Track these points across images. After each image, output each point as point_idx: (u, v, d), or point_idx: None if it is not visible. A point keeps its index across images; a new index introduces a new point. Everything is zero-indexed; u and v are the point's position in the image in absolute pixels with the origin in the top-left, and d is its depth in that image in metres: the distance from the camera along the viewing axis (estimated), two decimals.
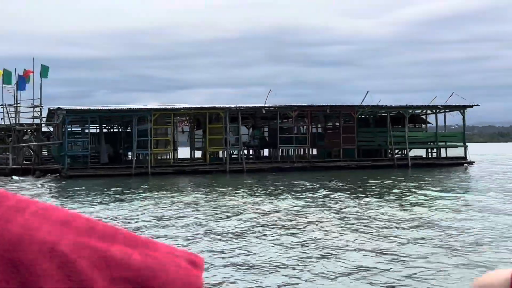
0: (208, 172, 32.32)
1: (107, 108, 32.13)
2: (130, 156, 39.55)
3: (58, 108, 34.00)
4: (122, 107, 32.85)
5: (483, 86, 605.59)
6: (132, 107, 31.88)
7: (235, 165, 33.22)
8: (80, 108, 32.17)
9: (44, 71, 38.70)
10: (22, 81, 37.93)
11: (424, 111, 38.41)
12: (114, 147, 36.37)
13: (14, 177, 31.81)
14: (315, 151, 37.89)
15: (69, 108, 30.79)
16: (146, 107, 32.36)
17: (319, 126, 41.08)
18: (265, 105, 34.40)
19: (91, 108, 32.49)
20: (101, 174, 30.37)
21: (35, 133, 40.69)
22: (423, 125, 39.92)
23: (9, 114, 37.75)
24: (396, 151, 36.95)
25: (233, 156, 35.72)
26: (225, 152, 33.67)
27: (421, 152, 38.12)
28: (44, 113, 39.33)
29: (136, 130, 31.82)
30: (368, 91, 35.76)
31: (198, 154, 40.30)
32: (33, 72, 40.80)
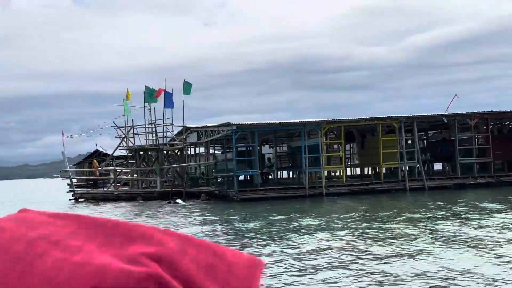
0: (386, 191, 28.73)
1: (278, 122, 29.16)
2: (271, 176, 36.89)
3: (186, 128, 31.63)
4: (293, 121, 29.94)
5: (495, 104, 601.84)
6: (302, 120, 28.73)
7: (414, 183, 29.43)
8: (250, 123, 29.41)
9: (187, 88, 36.56)
10: (169, 98, 35.92)
11: None
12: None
13: (178, 200, 29.50)
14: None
15: (239, 123, 28.02)
16: (315, 120, 29.12)
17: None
18: (445, 113, 30.47)
19: (262, 122, 29.65)
20: (273, 196, 27.48)
21: (178, 154, 38.61)
22: None
23: (157, 134, 35.90)
24: None
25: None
26: (402, 168, 29.84)
27: None
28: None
29: (305, 146, 28.69)
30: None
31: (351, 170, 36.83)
32: (164, 90, 39.00)
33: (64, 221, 0.90)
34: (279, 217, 19.60)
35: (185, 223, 20.32)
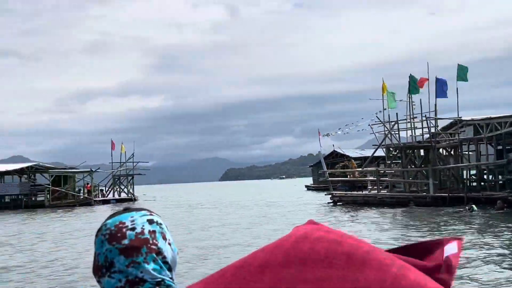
0: None
1: None
2: None
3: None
4: None
5: None
6: None
7: None
8: None
9: (462, 73, 30.85)
10: (441, 86, 30.69)
11: None
12: None
13: (474, 206, 24.26)
14: None
15: None
16: None
17: None
18: None
19: None
20: None
21: (450, 152, 33.08)
22: None
23: (429, 128, 30.98)
24: None
25: None
26: None
27: None
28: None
29: None
30: None
31: None
32: (427, 79, 33.65)
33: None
34: None
35: None
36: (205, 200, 53.82)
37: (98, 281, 1.33)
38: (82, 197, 52.53)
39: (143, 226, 1.34)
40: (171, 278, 1.33)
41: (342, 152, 57.05)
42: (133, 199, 55.04)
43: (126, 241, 1.31)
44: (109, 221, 1.37)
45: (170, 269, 1.34)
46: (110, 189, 57.61)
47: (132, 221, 1.35)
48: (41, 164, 54.72)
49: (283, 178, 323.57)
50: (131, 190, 57.59)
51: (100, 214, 37.61)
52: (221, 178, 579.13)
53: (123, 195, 57.07)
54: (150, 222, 1.36)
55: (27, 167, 52.10)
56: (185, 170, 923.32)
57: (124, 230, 1.33)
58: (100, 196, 55.59)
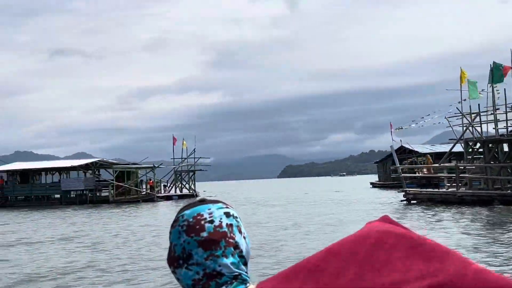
0: None
1: None
2: None
3: None
4: None
5: None
6: None
7: None
8: None
9: None
10: None
11: None
12: None
13: None
14: None
15: None
16: None
17: None
18: None
19: None
20: None
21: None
22: None
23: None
24: None
25: None
26: None
27: None
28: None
29: None
30: None
31: None
32: (511, 67, 30.92)
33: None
34: None
35: None
36: (269, 197, 52.50)
37: (173, 272, 1.33)
38: (144, 193, 52.39)
39: (221, 219, 1.33)
40: (246, 272, 1.32)
41: (410, 148, 54.25)
42: (194, 195, 54.41)
43: (205, 234, 1.31)
44: (186, 212, 1.35)
45: (245, 264, 1.33)
46: (172, 185, 57.23)
47: (210, 213, 1.34)
48: (105, 160, 55.01)
49: (343, 175, 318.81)
50: (192, 186, 57.02)
51: (168, 210, 36.97)
52: (280, 175, 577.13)
53: (185, 191, 56.58)
54: (227, 215, 1.35)
55: (92, 163, 52.41)
56: (242, 167, 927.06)
57: (202, 222, 1.32)
58: (162, 192, 55.34)
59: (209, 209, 1.34)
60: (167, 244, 1.37)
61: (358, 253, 1.16)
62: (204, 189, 57.00)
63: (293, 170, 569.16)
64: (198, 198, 1.39)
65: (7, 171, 53.13)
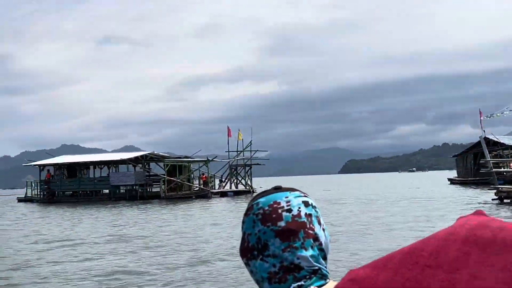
0: None
1: None
2: None
3: None
4: None
5: None
6: None
7: None
8: None
9: None
10: None
11: None
12: None
13: None
14: None
15: None
16: None
17: None
18: None
19: None
20: None
21: None
22: None
23: None
24: None
25: None
26: None
27: None
28: None
29: None
30: None
31: None
32: None
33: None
34: None
35: None
36: (336, 194, 47.67)
37: (246, 264, 1.25)
38: (197, 188, 48.83)
39: (299, 208, 1.25)
40: (325, 267, 1.23)
41: (495, 139, 47.87)
42: (251, 192, 50.23)
43: (282, 223, 1.22)
44: (261, 199, 1.26)
45: (325, 258, 1.24)
46: (227, 180, 53.16)
47: (288, 201, 1.25)
48: (155, 153, 51.82)
49: (413, 171, 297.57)
50: (249, 182, 52.76)
51: (226, 208, 33.02)
52: (341, 171, 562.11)
53: (240, 187, 52.44)
54: (306, 204, 1.26)
55: (142, 156, 49.34)
56: (300, 162, 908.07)
57: (279, 211, 1.23)
58: (216, 188, 51.57)
59: (287, 197, 1.25)
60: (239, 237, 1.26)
61: (459, 233, 1.08)
62: (260, 185, 53.03)
63: (355, 165, 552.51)
64: (273, 187, 1.30)
65: (54, 165, 50.89)
